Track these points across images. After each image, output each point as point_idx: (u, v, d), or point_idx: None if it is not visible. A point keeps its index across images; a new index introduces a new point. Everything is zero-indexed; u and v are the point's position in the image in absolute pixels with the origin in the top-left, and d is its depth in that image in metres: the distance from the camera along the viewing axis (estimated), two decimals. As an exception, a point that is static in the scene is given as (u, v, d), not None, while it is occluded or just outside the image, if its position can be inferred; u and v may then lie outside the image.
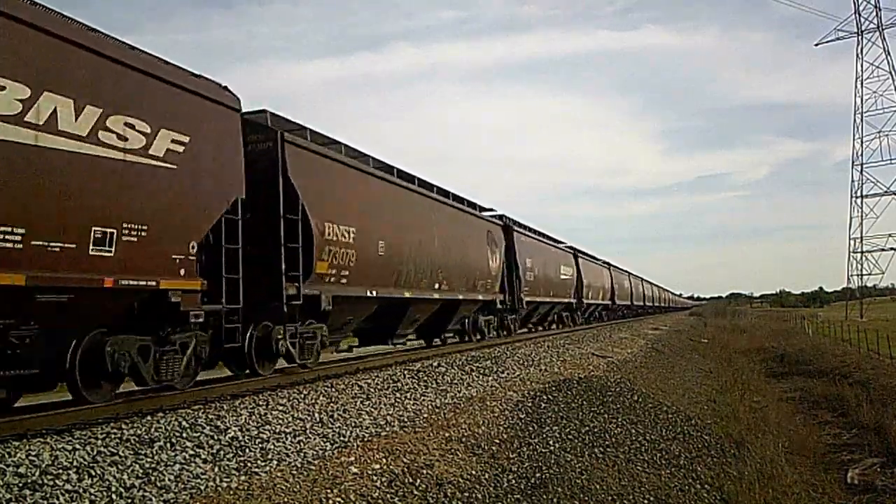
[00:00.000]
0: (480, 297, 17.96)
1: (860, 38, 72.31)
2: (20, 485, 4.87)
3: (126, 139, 7.14)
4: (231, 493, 5.49)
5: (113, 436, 6.11)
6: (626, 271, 53.13)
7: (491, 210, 20.97)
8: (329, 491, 5.92)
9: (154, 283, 7.49)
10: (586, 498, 7.84)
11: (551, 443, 9.19)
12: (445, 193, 16.76)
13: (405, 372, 11.34)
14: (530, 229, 24.91)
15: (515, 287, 20.91)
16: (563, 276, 28.49)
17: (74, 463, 5.35)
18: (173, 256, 7.79)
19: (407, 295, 13.45)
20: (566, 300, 29.51)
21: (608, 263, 43.43)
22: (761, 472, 10.10)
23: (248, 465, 6.12)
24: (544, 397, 11.37)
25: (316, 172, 10.84)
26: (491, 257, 19.05)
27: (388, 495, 6.22)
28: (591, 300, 35.10)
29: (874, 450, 13.55)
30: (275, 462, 6.30)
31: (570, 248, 32.56)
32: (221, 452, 6.22)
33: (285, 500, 5.57)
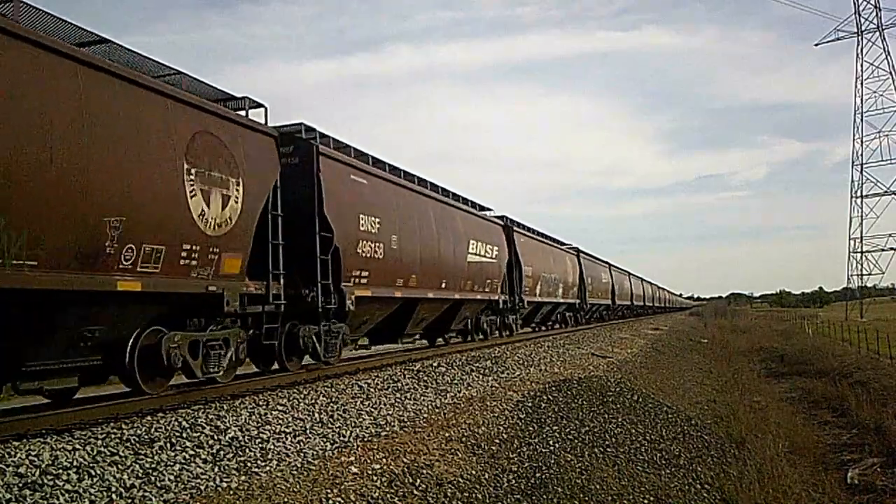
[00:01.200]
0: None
1: (860, 38, 72.40)
2: (20, 485, 4.87)
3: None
4: (231, 493, 5.49)
5: (113, 436, 6.11)
6: (605, 262, 41.53)
7: (255, 104, 9.84)
8: (329, 491, 5.92)
9: None
10: (586, 498, 7.85)
11: (551, 443, 9.19)
12: None
13: (405, 372, 11.34)
14: (375, 162, 13.12)
15: (334, 271, 10.78)
16: (475, 259, 17.27)
17: (74, 463, 5.35)
18: None
19: None
20: (485, 296, 18.23)
21: (576, 249, 32.92)
22: (761, 472, 10.11)
23: (248, 465, 6.12)
24: (544, 397, 11.37)
25: None
26: (208, 201, 8.29)
27: (389, 495, 6.22)
28: (541, 297, 24.42)
29: (874, 450, 13.54)
30: (275, 462, 6.30)
31: (501, 218, 21.44)
32: (221, 452, 6.22)
33: (285, 500, 5.57)
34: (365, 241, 11.82)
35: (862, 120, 72.21)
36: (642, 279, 63.07)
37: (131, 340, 7.70)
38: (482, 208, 19.89)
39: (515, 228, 22.02)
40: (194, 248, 8.08)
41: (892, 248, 70.81)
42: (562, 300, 28.21)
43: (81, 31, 7.39)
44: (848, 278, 75.05)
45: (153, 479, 5.40)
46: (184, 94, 8.30)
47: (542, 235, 26.70)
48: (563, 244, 30.97)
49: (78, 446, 5.70)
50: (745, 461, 10.69)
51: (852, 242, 72.78)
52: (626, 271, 51.24)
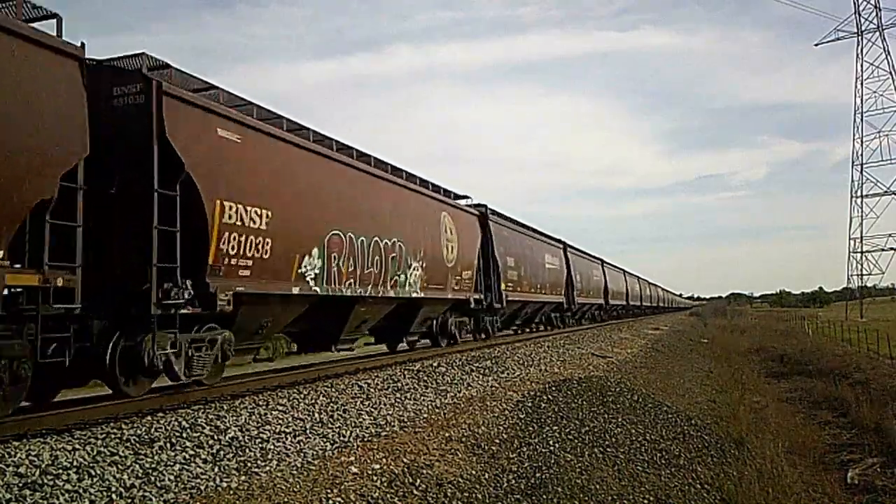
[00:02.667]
0: None
1: (860, 38, 72.56)
2: (20, 485, 4.87)
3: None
4: (231, 493, 5.49)
5: (113, 436, 6.12)
6: (565, 243, 29.70)
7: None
8: (329, 491, 5.92)
9: None
10: (586, 498, 7.84)
11: (551, 443, 9.19)
12: None
13: (405, 372, 11.34)
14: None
15: None
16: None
17: (74, 463, 5.35)
18: None
19: None
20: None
21: (517, 223, 22.12)
22: (761, 472, 10.09)
23: (248, 465, 6.12)
24: (544, 397, 11.36)
25: None
26: None
27: (389, 495, 6.21)
28: (350, 289, 11.16)
29: (874, 450, 13.54)
30: (275, 462, 6.30)
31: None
32: (221, 452, 6.22)
33: (285, 500, 5.57)
34: None
35: (862, 120, 72.40)
36: (632, 274, 54.18)
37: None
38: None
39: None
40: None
41: (892, 248, 70.99)
42: (454, 295, 16.21)
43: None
44: (848, 278, 75.25)
45: (153, 479, 5.40)
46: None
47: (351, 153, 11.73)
48: (458, 203, 17.32)
49: (78, 446, 5.71)
50: (745, 461, 10.67)
51: (852, 242, 72.97)
52: (596, 258, 38.40)
